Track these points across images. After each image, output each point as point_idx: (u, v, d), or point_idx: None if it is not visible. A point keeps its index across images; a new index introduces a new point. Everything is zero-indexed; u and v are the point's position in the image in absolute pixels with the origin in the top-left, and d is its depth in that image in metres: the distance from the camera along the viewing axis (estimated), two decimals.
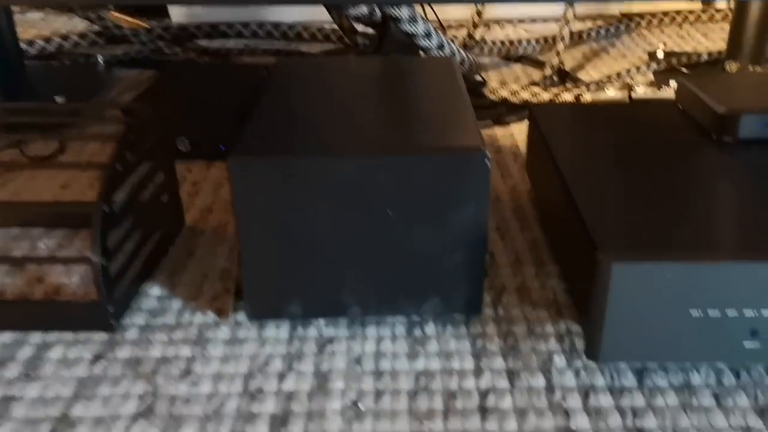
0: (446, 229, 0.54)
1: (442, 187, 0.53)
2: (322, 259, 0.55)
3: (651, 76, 1.08)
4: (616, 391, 0.53)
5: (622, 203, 0.56)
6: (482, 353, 0.57)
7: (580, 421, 0.50)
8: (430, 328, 0.60)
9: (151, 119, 0.65)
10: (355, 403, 0.51)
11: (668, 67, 1.11)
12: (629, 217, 0.54)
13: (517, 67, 1.22)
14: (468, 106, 0.61)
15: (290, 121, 0.58)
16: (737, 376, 0.54)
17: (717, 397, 0.52)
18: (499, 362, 0.56)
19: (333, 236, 0.54)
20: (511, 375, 0.55)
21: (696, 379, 0.54)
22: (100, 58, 1.12)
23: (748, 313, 0.50)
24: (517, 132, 0.96)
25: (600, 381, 0.54)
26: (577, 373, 0.54)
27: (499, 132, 0.98)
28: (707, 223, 0.54)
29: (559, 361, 0.56)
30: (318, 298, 0.56)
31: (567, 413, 0.51)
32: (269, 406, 0.52)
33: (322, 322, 0.60)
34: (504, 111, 1.00)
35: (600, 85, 1.03)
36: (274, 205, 0.53)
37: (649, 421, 0.50)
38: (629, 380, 0.54)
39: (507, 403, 0.52)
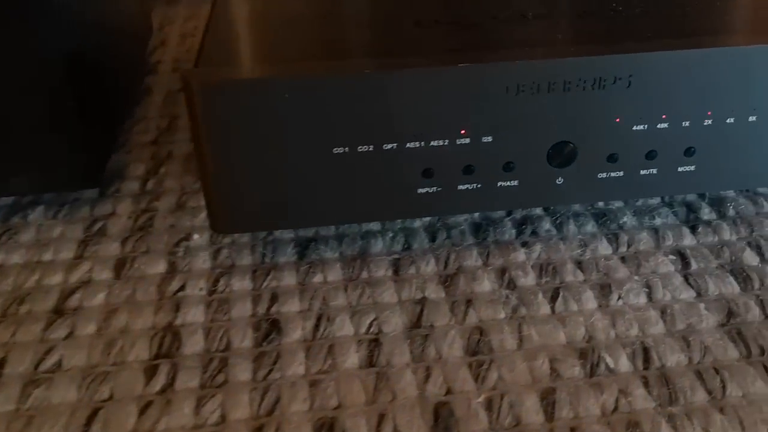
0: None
1: None
2: None
3: None
4: (261, 273, 0.36)
5: (266, 26, 0.39)
6: (93, 239, 0.39)
7: (192, 315, 0.34)
8: (38, 213, 0.42)
9: None
10: None
11: None
12: (260, 36, 0.38)
13: None
14: None
15: None
16: (432, 238, 0.39)
17: (396, 267, 0.36)
18: (112, 249, 0.39)
19: None
20: (121, 263, 0.37)
21: (376, 246, 0.38)
22: None
23: (413, 145, 0.34)
24: None
25: (245, 260, 0.37)
26: (215, 254, 0.38)
27: None
28: (363, 36, 0.38)
29: (199, 239, 0.39)
30: None
31: (178, 307, 0.34)
32: None
33: None
34: None
35: None
36: None
37: (291, 305, 0.34)
38: (286, 256, 0.38)
39: (98, 300, 0.35)
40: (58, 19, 0.38)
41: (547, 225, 0.41)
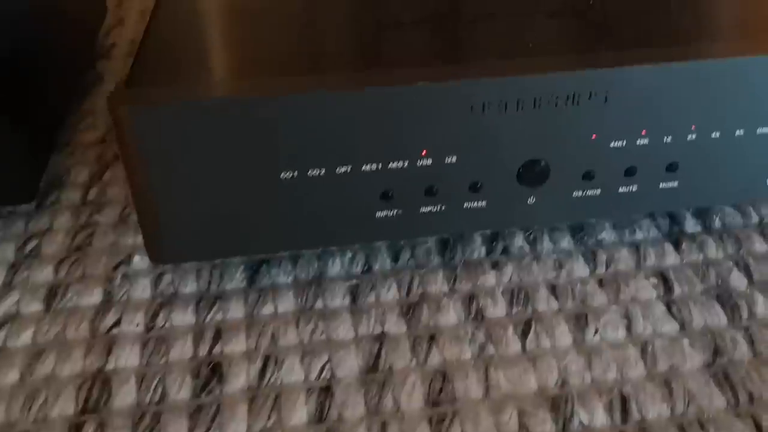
0: None
1: None
2: None
3: None
4: (206, 303, 0.33)
5: (210, 37, 0.35)
6: (25, 262, 0.36)
7: (126, 358, 0.31)
8: None
9: None
10: None
11: None
12: (204, 49, 0.33)
13: None
14: None
15: None
16: (395, 258, 0.35)
17: (354, 294, 0.33)
18: (44, 274, 0.35)
19: None
20: (53, 293, 0.34)
21: (334, 268, 0.34)
22: None
23: (370, 168, 0.30)
24: None
25: (189, 287, 0.34)
26: (157, 280, 0.34)
27: None
28: (315, 44, 0.35)
29: (139, 262, 0.35)
30: None
31: (111, 348, 0.31)
32: None
33: None
34: None
35: None
36: None
37: (237, 344, 0.31)
38: (235, 282, 0.34)
39: (24, 339, 0.32)
40: None
41: (519, 241, 0.38)
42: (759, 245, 0.38)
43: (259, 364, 0.32)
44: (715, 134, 0.34)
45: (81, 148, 0.47)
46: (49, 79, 0.44)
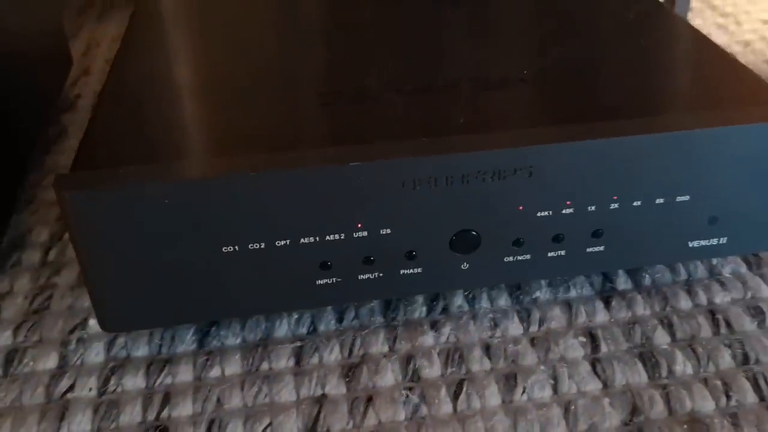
0: None
1: None
2: None
3: None
4: (156, 367, 0.35)
5: (156, 116, 0.37)
6: None
7: (78, 423, 0.33)
8: None
9: None
10: None
11: None
12: (149, 129, 0.36)
13: None
14: None
15: None
16: (339, 319, 0.37)
17: (299, 356, 0.35)
18: (3, 338, 0.39)
19: None
20: (11, 358, 0.36)
21: (281, 329, 0.36)
22: None
23: (308, 240, 0.32)
24: None
25: (141, 351, 0.36)
26: (110, 344, 0.36)
27: None
28: (256, 120, 0.38)
29: (95, 325, 0.38)
30: None
31: (64, 413, 0.32)
32: None
33: None
34: None
35: None
36: None
37: (183, 408, 0.33)
38: (185, 345, 0.36)
39: None
40: None
41: (459, 300, 0.40)
42: (684, 302, 0.40)
43: (203, 429, 0.34)
44: (637, 203, 0.36)
45: (44, 206, 0.49)
46: (8, 135, 0.45)
